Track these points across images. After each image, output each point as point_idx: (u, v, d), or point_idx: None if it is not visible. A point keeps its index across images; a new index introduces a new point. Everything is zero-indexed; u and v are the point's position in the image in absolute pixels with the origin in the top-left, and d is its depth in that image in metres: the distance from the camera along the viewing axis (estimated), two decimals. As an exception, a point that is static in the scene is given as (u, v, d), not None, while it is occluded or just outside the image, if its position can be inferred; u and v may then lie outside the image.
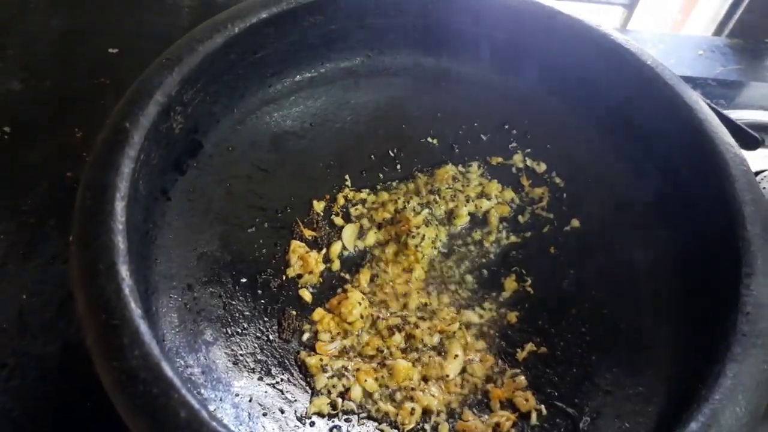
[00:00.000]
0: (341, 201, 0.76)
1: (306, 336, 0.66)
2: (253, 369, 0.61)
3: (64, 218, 0.75)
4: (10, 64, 0.90)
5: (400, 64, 0.79)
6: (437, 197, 0.77)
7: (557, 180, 0.77)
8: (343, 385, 0.62)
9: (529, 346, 0.67)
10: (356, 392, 0.62)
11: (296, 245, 0.71)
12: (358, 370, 0.64)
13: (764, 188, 0.76)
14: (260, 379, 0.61)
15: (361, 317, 0.67)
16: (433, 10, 0.75)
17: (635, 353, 0.62)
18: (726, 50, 1.19)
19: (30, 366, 0.64)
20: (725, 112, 0.73)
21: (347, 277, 0.71)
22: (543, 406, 0.62)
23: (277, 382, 0.61)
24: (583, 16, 0.72)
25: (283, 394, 0.61)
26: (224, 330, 0.62)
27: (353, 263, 0.72)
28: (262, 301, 0.67)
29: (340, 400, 0.62)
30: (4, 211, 0.75)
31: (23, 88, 0.88)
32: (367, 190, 0.77)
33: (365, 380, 0.63)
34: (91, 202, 0.50)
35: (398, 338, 0.66)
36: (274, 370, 0.62)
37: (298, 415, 0.60)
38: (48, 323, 0.67)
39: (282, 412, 0.59)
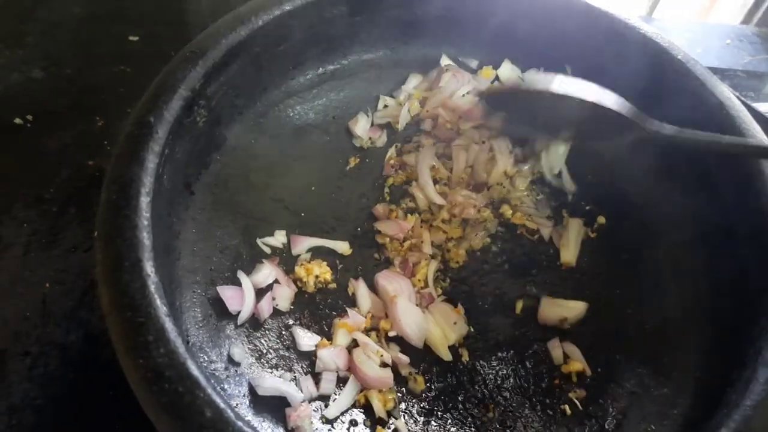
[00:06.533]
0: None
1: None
2: (276, 365, 0.61)
3: (85, 207, 0.75)
4: (30, 52, 0.90)
5: (423, 56, 0.78)
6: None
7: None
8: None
9: (554, 346, 0.66)
10: (377, 405, 0.60)
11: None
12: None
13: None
14: (283, 374, 0.60)
15: None
16: (458, 4, 0.74)
17: (661, 354, 0.62)
18: (754, 39, 1.16)
19: (53, 354, 0.65)
20: (754, 105, 0.71)
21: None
22: (567, 406, 0.61)
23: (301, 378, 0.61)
24: (613, 9, 0.70)
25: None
26: (247, 325, 0.62)
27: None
28: (284, 295, 0.66)
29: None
30: (27, 200, 0.76)
31: (44, 76, 0.88)
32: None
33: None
34: (116, 197, 0.50)
35: None
36: (296, 366, 0.62)
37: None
38: (70, 312, 0.68)
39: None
